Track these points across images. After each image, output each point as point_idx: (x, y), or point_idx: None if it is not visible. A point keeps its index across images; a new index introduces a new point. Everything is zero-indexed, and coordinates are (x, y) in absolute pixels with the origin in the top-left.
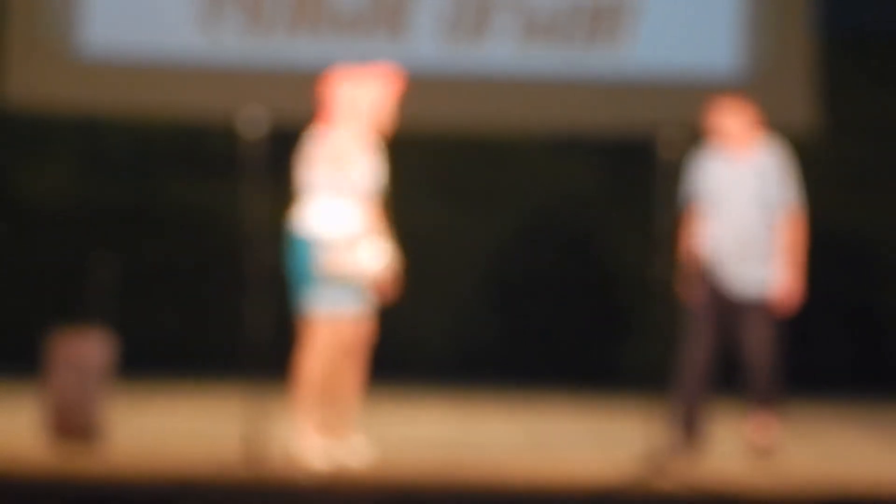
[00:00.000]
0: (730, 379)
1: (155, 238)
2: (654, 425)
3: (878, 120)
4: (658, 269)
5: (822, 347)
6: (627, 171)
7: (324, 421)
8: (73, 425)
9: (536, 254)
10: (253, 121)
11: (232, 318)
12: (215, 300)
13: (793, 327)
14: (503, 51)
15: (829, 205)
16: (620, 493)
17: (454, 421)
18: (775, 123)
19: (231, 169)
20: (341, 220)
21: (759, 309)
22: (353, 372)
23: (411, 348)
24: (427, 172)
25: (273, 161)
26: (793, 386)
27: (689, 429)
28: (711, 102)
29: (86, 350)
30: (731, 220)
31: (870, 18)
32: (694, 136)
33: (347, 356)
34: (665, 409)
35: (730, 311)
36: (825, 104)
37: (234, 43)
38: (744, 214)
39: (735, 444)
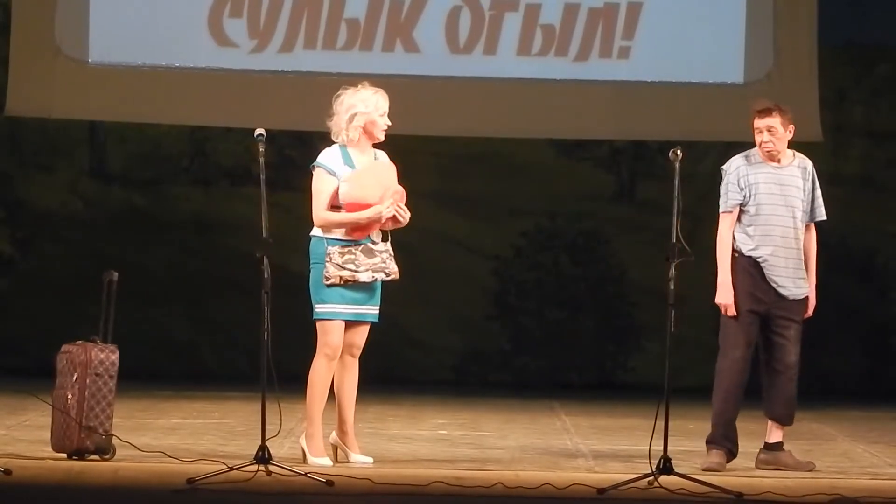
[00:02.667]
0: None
1: (164, 246)
2: (660, 431)
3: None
4: (670, 276)
5: (834, 357)
6: (640, 178)
7: (319, 430)
8: (81, 436)
9: (546, 260)
10: (263, 128)
11: (241, 326)
12: (225, 308)
13: (805, 336)
14: (519, 62)
15: (839, 213)
16: (626, 497)
17: (461, 425)
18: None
19: (241, 176)
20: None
21: (799, 313)
22: (350, 377)
23: (418, 353)
24: (435, 179)
25: (283, 168)
26: (803, 394)
27: (728, 438)
28: (774, 113)
29: (94, 360)
30: (775, 226)
31: (855, 30)
32: (706, 144)
33: (342, 361)
34: (675, 416)
35: (770, 316)
36: (831, 113)
37: (243, 53)
38: (786, 220)
39: (741, 451)
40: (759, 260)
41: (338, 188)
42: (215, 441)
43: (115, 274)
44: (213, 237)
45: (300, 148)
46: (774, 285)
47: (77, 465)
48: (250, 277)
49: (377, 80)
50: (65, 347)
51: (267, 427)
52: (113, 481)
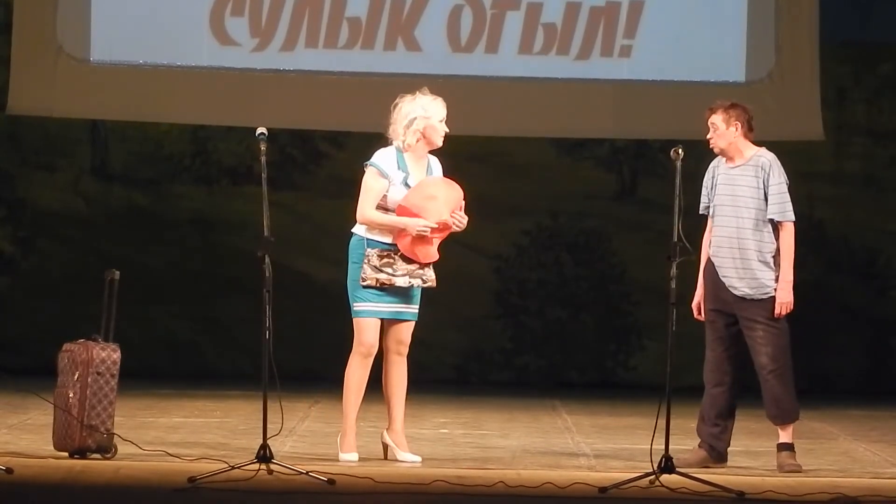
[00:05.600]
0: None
1: (166, 245)
2: (662, 430)
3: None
4: (671, 274)
5: (835, 356)
6: (641, 177)
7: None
8: (83, 434)
9: (547, 259)
10: (265, 127)
11: (242, 325)
12: (226, 307)
13: (806, 335)
14: (520, 61)
15: (840, 212)
16: (627, 496)
17: (462, 424)
18: (783, 131)
19: (242, 175)
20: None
21: (763, 314)
22: (398, 376)
23: (420, 352)
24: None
25: (284, 167)
26: (804, 394)
27: (711, 435)
28: (718, 110)
29: (96, 358)
30: (720, 226)
31: (857, 29)
32: (707, 143)
33: (390, 360)
34: (676, 415)
35: (738, 318)
36: (832, 111)
37: (245, 52)
38: (730, 220)
39: (742, 450)
40: (717, 262)
41: (387, 190)
42: (217, 440)
43: (117, 273)
44: (215, 236)
45: (301, 147)
46: (727, 285)
47: (79, 463)
48: (252, 276)
49: (378, 79)
50: (66, 346)
51: (268, 426)
52: (114, 480)
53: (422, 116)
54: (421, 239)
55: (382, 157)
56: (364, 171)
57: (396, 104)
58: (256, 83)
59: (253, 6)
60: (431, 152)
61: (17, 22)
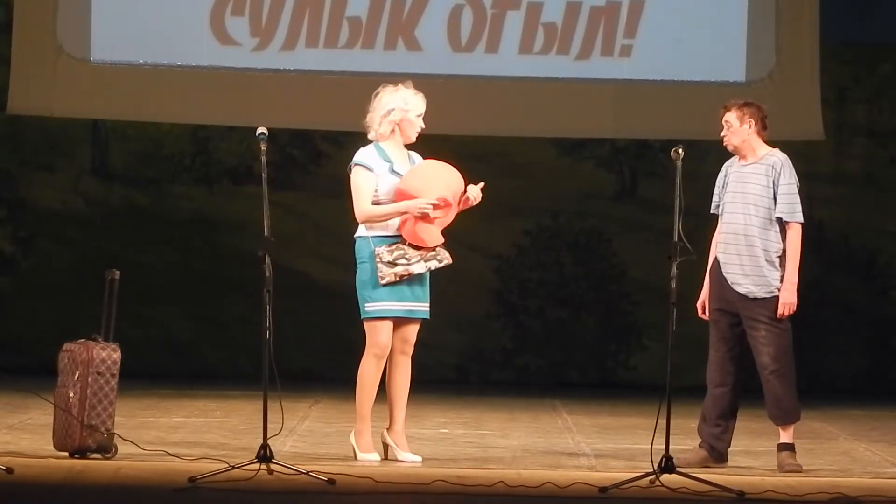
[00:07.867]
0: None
1: (166, 244)
2: (662, 430)
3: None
4: (671, 274)
5: (835, 356)
6: (641, 177)
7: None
8: (83, 434)
9: (547, 259)
10: (265, 127)
11: (242, 325)
12: (226, 306)
13: (806, 335)
14: (520, 60)
15: (840, 212)
16: (627, 496)
17: (463, 424)
18: (783, 131)
19: (243, 175)
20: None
21: (765, 314)
22: (402, 376)
23: (420, 352)
24: None
25: (284, 167)
26: (804, 394)
27: (711, 435)
28: (732, 108)
29: (96, 358)
30: (728, 224)
31: (857, 29)
32: (708, 143)
33: (394, 359)
34: (677, 415)
35: (741, 317)
36: (833, 111)
37: (245, 52)
38: (737, 218)
39: (742, 450)
40: (722, 261)
41: (377, 184)
42: (217, 440)
43: (117, 272)
44: (215, 236)
45: (302, 146)
46: (730, 283)
47: (79, 463)
48: (252, 276)
49: (378, 79)
50: (66, 346)
51: (269, 426)
52: (114, 480)
53: (400, 108)
54: (423, 221)
55: (364, 154)
56: (349, 174)
57: (378, 93)
58: (256, 83)
59: (253, 6)
60: (409, 147)
61: (17, 22)
